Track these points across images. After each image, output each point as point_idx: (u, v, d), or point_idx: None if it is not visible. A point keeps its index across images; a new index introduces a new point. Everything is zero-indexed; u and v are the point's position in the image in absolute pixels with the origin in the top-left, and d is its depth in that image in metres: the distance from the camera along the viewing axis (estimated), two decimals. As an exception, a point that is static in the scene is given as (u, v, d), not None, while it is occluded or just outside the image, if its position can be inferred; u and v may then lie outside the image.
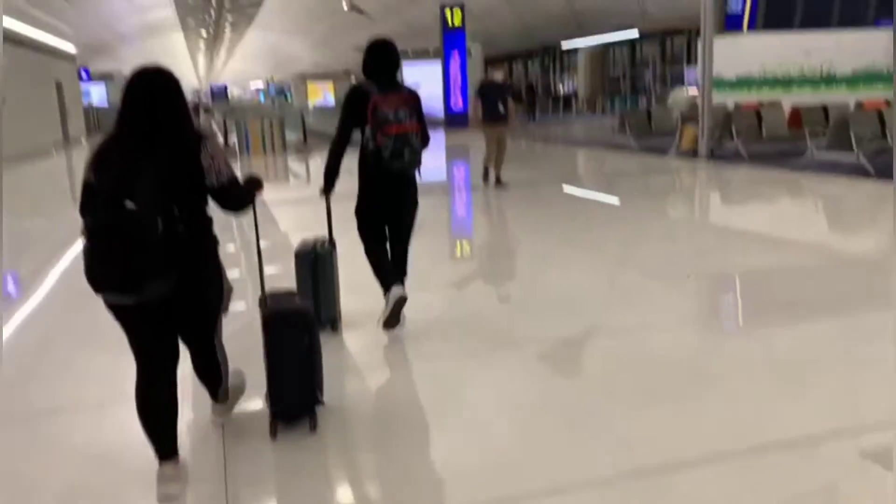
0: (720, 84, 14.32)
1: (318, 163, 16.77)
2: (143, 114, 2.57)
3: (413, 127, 3.87)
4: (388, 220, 4.17)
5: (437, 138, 22.21)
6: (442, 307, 4.92)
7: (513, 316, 4.83)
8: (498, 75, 10.30)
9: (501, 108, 9.68)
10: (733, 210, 8.92)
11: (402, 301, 4.06)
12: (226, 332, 3.01)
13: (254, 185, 2.94)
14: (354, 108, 3.92)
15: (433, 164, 16.35)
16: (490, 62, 39.15)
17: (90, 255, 2.41)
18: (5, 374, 3.90)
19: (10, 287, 6.29)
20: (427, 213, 4.57)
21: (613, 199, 9.62)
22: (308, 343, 3.04)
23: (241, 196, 2.83)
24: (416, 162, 3.96)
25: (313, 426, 3.06)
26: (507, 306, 5.19)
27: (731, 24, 12.25)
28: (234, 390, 3.22)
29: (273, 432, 3.04)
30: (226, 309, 2.93)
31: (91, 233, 2.42)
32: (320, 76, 48.61)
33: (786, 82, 15.76)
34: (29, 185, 14.53)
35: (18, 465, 3.04)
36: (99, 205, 2.45)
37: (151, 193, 2.44)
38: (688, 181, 11.51)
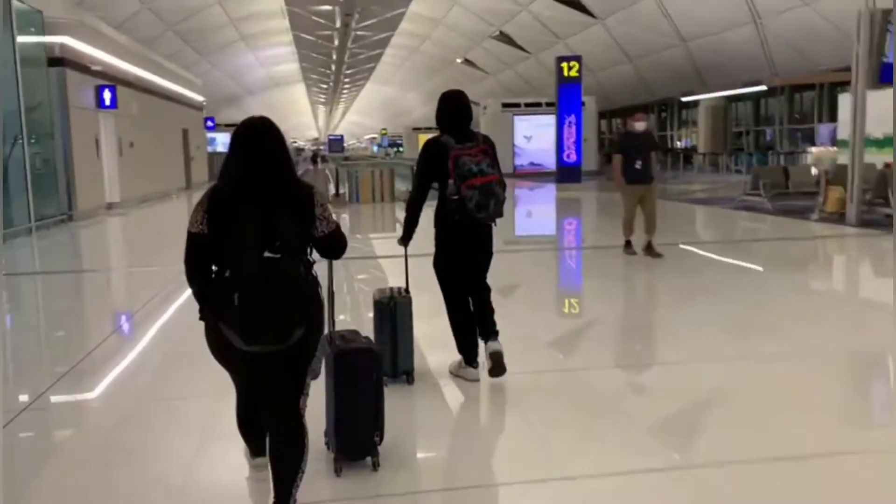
0: (866, 142, 12.83)
1: (426, 212, 16.38)
2: (263, 161, 2.56)
3: (495, 177, 3.87)
4: (467, 269, 4.16)
5: (549, 192, 21.97)
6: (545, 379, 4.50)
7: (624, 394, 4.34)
8: (640, 125, 8.29)
9: (639, 164, 8.07)
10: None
11: (497, 356, 4.05)
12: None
13: (344, 236, 2.90)
14: (434, 161, 3.92)
15: (545, 219, 15.58)
16: (604, 115, 38.35)
17: (242, 307, 2.41)
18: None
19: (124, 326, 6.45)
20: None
21: (758, 269, 8.43)
22: (376, 379, 3.07)
23: (342, 243, 2.81)
24: (500, 212, 3.95)
25: (376, 465, 3.09)
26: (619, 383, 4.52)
27: (885, 76, 10.92)
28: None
29: (337, 469, 3.06)
30: (318, 371, 2.85)
31: (238, 285, 2.42)
32: (432, 128, 49.07)
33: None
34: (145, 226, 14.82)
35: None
36: (236, 256, 2.45)
37: (294, 241, 2.51)
38: (839, 251, 10.12)
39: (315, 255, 2.74)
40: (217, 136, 38.66)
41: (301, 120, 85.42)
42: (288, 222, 2.52)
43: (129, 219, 16.05)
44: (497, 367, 4.04)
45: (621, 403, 4.01)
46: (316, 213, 2.63)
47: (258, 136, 2.60)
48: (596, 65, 31.03)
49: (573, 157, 19.87)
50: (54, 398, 4.40)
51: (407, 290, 4.24)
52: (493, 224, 4.07)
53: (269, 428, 2.69)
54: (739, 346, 5.06)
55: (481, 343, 4.17)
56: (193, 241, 2.53)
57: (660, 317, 6.41)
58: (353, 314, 6.16)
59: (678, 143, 36.62)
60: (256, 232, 2.46)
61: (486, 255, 4.18)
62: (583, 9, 28.12)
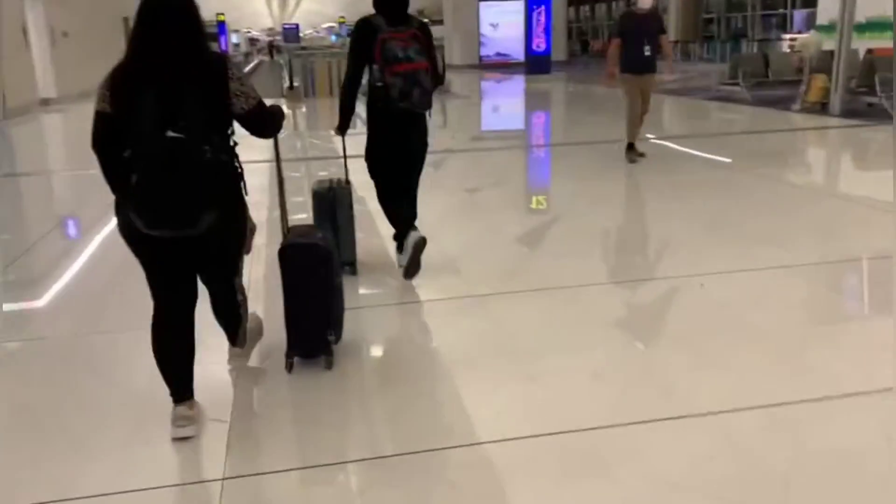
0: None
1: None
2: (168, 34, 2.40)
3: (423, 65, 3.66)
4: (398, 162, 4.01)
5: (518, 84, 20.98)
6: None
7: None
8: (645, 2, 7.02)
9: (648, 49, 6.95)
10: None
11: (421, 244, 3.92)
12: (248, 270, 2.95)
13: (278, 115, 2.80)
14: (363, 43, 3.70)
15: (514, 113, 14.76)
16: (572, 1, 36.68)
17: (139, 189, 2.28)
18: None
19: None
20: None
21: (741, 165, 7.86)
22: (324, 276, 2.96)
23: (271, 122, 2.72)
24: (427, 103, 3.77)
25: (329, 364, 3.01)
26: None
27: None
28: (252, 334, 3.14)
29: (289, 367, 2.99)
30: (248, 249, 2.81)
31: (137, 166, 2.28)
32: (393, 16, 46.56)
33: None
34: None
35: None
36: (137, 136, 2.29)
37: (196, 118, 2.31)
38: (825, 143, 9.59)
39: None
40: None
41: (254, 8, 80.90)
42: (193, 100, 2.33)
43: (68, 115, 14.79)
44: (414, 265, 3.94)
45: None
46: (231, 88, 2.44)
47: (161, 8, 2.42)
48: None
49: (542, 47, 18.80)
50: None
51: (347, 181, 4.12)
52: (427, 115, 3.89)
53: (210, 299, 2.77)
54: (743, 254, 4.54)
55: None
56: (98, 119, 2.40)
57: (647, 220, 5.86)
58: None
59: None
60: (158, 110, 2.29)
61: (419, 149, 4.00)
62: None
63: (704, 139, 9.12)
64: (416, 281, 4.02)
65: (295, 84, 16.66)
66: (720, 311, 3.61)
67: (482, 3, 26.69)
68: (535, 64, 18.83)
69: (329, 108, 15.69)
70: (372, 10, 3.77)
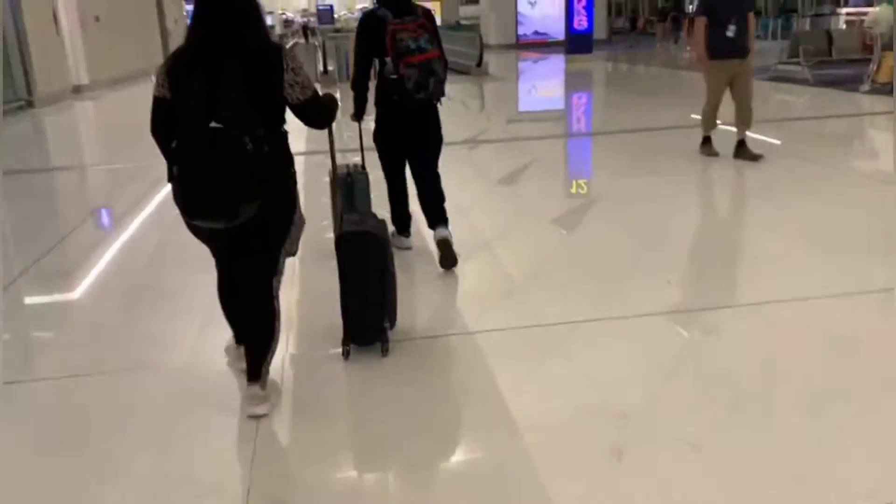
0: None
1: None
2: (221, 21, 2.39)
3: (435, 54, 3.64)
4: (411, 153, 4.00)
5: (558, 64, 20.20)
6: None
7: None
8: None
9: (732, 29, 5.93)
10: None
11: (445, 243, 3.91)
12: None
13: (333, 105, 2.75)
14: (371, 37, 3.69)
15: (556, 97, 14.03)
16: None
17: (181, 180, 2.26)
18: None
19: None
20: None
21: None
22: (380, 264, 2.95)
23: (326, 112, 2.68)
24: (441, 91, 3.76)
25: (385, 350, 2.98)
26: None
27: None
28: (272, 384, 2.75)
29: (345, 353, 2.98)
30: (295, 249, 2.72)
31: (178, 156, 2.27)
32: (427, -5, 45.72)
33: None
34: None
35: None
36: (183, 124, 2.27)
37: (238, 109, 2.26)
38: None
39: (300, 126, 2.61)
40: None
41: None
42: (236, 90, 2.28)
43: (102, 104, 14.50)
44: (446, 258, 3.90)
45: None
46: (286, 79, 2.40)
47: None
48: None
49: (584, 25, 17.97)
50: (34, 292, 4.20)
51: (363, 167, 4.12)
52: (438, 104, 3.87)
53: (242, 309, 2.68)
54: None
55: (431, 231, 4.08)
56: (156, 104, 2.40)
57: (733, 228, 5.23)
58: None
59: (690, 6, 34.04)
60: (201, 98, 2.26)
61: (432, 140, 3.99)
62: None
63: (768, 125, 8.37)
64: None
65: (329, 68, 16.15)
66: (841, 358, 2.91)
67: (522, -21, 25.85)
68: (577, 43, 18.03)
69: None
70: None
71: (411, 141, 3.94)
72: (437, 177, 4.07)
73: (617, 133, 8.29)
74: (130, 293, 4.01)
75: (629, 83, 15.46)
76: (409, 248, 4.26)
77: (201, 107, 2.24)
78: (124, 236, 5.21)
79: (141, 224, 5.46)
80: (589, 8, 17.84)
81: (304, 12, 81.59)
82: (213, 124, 2.21)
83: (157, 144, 2.42)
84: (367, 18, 3.76)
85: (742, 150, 6.24)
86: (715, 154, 6.41)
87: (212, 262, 2.72)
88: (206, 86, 2.26)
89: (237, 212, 2.28)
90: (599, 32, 24.49)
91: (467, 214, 4.97)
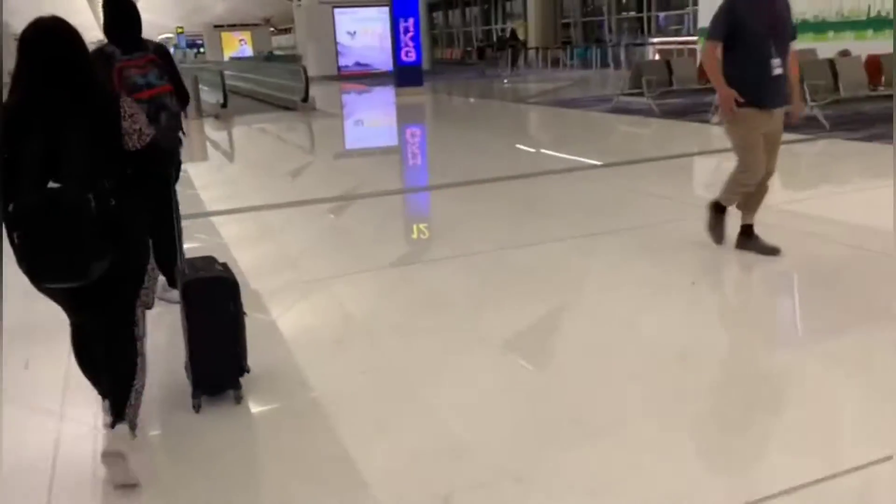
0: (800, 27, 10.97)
1: (242, 131, 12.97)
2: (57, 72, 2.22)
3: (166, 88, 3.60)
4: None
5: (388, 97, 18.82)
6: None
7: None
8: None
9: (778, 65, 3.98)
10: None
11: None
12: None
13: (177, 141, 2.96)
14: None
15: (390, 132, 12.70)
16: (436, 6, 35.26)
17: (24, 246, 2.13)
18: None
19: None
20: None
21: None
22: (233, 309, 2.80)
23: (160, 156, 2.55)
24: (178, 126, 3.68)
25: (238, 399, 2.82)
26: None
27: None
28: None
29: (196, 406, 2.78)
30: (151, 302, 2.60)
31: (17, 222, 2.10)
32: (236, 26, 43.28)
33: (822, 27, 12.68)
34: None
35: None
36: (20, 187, 2.10)
37: (80, 165, 2.14)
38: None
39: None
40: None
41: (80, 19, 73.59)
42: (76, 143, 2.15)
43: None
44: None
45: None
46: (124, 126, 2.28)
47: (44, 40, 2.24)
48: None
49: (412, 56, 16.96)
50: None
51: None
52: (182, 137, 3.71)
53: (102, 354, 2.51)
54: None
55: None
56: None
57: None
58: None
59: (501, 35, 34.52)
60: (37, 158, 2.12)
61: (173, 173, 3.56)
62: None
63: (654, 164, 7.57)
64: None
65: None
66: None
67: (337, 10, 24.53)
68: (406, 75, 16.97)
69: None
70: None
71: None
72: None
73: (490, 182, 7.08)
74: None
75: (473, 118, 14.48)
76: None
77: (39, 167, 2.10)
78: None
79: None
80: (416, 39, 16.88)
81: (100, 43, 74.96)
82: (52, 184, 2.08)
83: None
84: (97, 55, 3.38)
85: (750, 240, 4.31)
86: (720, 239, 4.41)
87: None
88: (44, 143, 2.13)
89: (87, 271, 2.17)
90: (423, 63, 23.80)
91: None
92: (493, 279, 4.28)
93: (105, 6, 3.58)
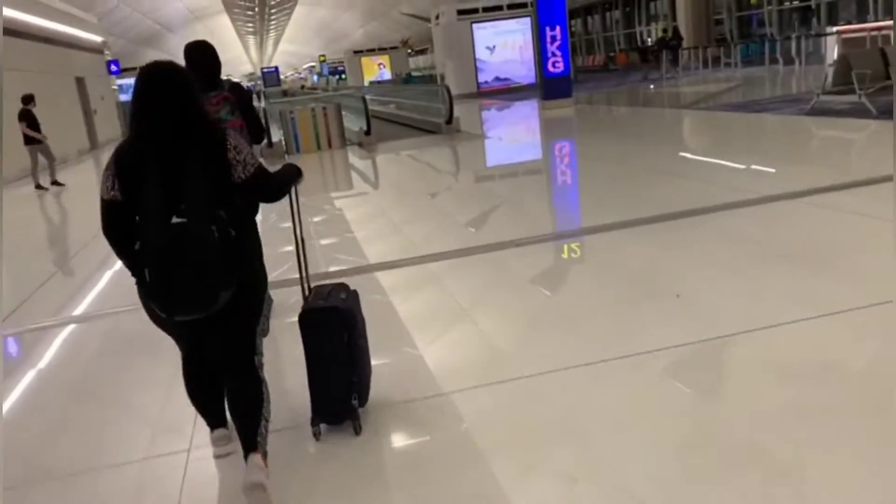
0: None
1: (389, 159, 12.08)
2: (171, 112, 2.28)
3: (238, 123, 3.79)
4: None
5: (532, 111, 17.50)
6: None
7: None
8: None
9: None
10: None
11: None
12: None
13: (293, 172, 2.66)
14: None
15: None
16: (570, 15, 33.65)
17: (156, 282, 2.19)
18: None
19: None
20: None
21: None
22: (347, 340, 2.79)
23: (277, 184, 2.54)
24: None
25: (357, 429, 2.82)
26: None
27: None
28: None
29: (316, 434, 2.83)
30: (267, 329, 2.79)
31: (146, 258, 2.18)
32: (374, 50, 43.71)
33: None
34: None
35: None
36: (144, 225, 2.20)
37: (200, 199, 2.21)
38: None
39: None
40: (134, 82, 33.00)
41: (233, 55, 78.23)
42: (194, 180, 2.22)
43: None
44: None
45: None
46: (229, 158, 2.30)
47: (158, 85, 2.30)
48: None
49: (561, 66, 15.61)
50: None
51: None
52: None
53: (226, 387, 2.56)
54: None
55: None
56: (107, 209, 2.29)
57: None
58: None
59: (648, 39, 32.37)
60: (160, 196, 2.19)
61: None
62: None
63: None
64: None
65: (274, 139, 13.40)
66: None
67: (476, 25, 23.59)
68: (554, 87, 15.64)
69: (318, 169, 12.44)
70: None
71: None
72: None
73: (691, 215, 5.59)
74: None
75: (647, 131, 12.80)
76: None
77: (161, 204, 2.17)
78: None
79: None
80: (564, 48, 15.52)
81: (251, 76, 79.28)
82: (175, 219, 2.15)
83: (112, 247, 2.35)
84: None
85: None
86: None
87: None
88: (163, 180, 2.20)
89: (217, 300, 2.22)
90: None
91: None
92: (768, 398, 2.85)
93: (186, 52, 3.78)
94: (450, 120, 13.68)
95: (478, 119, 16.78)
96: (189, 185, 2.18)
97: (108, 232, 2.29)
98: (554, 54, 15.71)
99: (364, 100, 13.69)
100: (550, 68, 15.77)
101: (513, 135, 14.32)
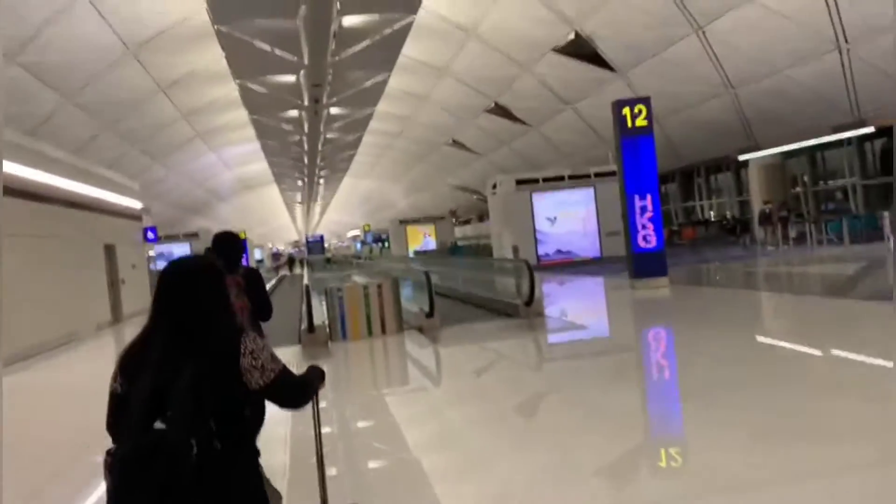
0: None
1: (463, 356, 9.13)
2: (180, 306, 2.13)
3: (241, 304, 4.05)
4: None
5: (624, 295, 12.98)
6: None
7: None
8: None
9: None
10: None
11: None
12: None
13: (316, 377, 2.43)
14: None
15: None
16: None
17: (114, 490, 1.92)
18: None
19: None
20: None
21: None
22: None
23: (297, 391, 2.30)
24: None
25: None
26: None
27: None
28: None
29: None
30: None
31: (112, 468, 1.92)
32: (420, 220, 42.54)
33: None
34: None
35: None
36: (126, 427, 1.98)
37: (188, 408, 1.95)
38: None
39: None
40: (174, 249, 31.58)
41: (280, 223, 79.08)
42: (185, 384, 1.97)
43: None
44: None
45: None
46: (243, 364, 2.08)
47: (177, 286, 2.17)
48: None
49: (653, 241, 13.05)
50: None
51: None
52: None
53: None
54: None
55: None
56: (110, 400, 2.12)
57: None
58: None
59: (710, 213, 30.26)
60: (146, 396, 1.98)
61: None
62: (600, 61, 22.04)
63: None
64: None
65: (316, 322, 10.68)
66: None
67: (536, 195, 21.61)
68: (645, 263, 12.99)
69: (369, 360, 9.58)
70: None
71: None
72: None
73: None
74: None
75: (796, 325, 9.81)
76: None
77: (146, 406, 1.96)
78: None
79: None
80: (657, 220, 13.04)
81: (296, 243, 79.56)
82: (157, 424, 1.93)
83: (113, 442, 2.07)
84: None
85: None
86: None
87: None
88: (154, 381, 1.99)
89: None
90: (611, 250, 19.92)
91: None
92: None
93: (214, 240, 4.25)
94: (530, 301, 10.91)
95: (554, 298, 14.02)
96: (178, 389, 1.95)
97: (108, 425, 2.10)
98: (644, 227, 13.19)
99: (427, 276, 11.03)
100: (641, 243, 13.17)
101: (613, 324, 11.31)
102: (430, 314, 10.68)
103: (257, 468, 2.20)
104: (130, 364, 2.09)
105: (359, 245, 62.89)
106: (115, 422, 2.08)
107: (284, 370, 2.18)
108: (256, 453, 2.20)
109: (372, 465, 4.90)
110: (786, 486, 3.66)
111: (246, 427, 2.14)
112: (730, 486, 3.76)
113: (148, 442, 1.89)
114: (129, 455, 1.89)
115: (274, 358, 2.17)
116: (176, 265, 2.22)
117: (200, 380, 1.98)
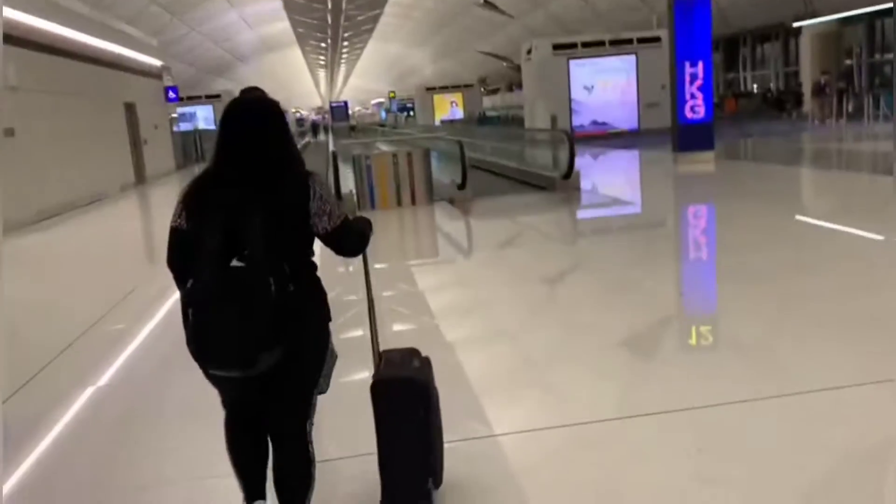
0: None
1: (495, 228, 8.70)
2: (250, 145, 2.04)
3: None
4: None
5: (666, 169, 12.44)
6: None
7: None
8: None
9: None
10: None
11: None
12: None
13: (369, 226, 2.37)
14: None
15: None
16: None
17: (194, 325, 1.93)
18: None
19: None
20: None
21: None
22: (423, 416, 2.33)
23: (357, 240, 2.28)
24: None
25: None
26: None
27: None
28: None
29: None
30: (326, 387, 2.28)
31: (192, 299, 1.95)
32: (447, 87, 40.98)
33: None
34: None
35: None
36: (200, 262, 1.97)
37: (263, 245, 1.96)
38: None
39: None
40: (198, 111, 30.83)
41: (303, 88, 77.19)
42: (259, 224, 1.96)
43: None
44: None
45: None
46: (311, 208, 2.06)
47: (243, 115, 2.09)
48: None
49: (701, 112, 12.15)
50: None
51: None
52: None
53: (273, 454, 2.22)
54: None
55: None
56: (172, 235, 2.09)
57: None
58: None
59: (753, 85, 28.58)
60: (220, 234, 1.97)
61: None
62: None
63: None
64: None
65: (343, 191, 10.22)
66: None
67: (573, 62, 20.31)
68: (691, 136, 12.16)
69: (397, 229, 9.18)
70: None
71: None
72: None
73: None
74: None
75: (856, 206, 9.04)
76: None
77: (220, 243, 1.95)
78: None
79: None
80: (707, 89, 12.05)
81: (319, 109, 77.84)
82: (234, 262, 1.93)
83: (173, 277, 2.09)
84: None
85: None
86: None
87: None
88: (227, 219, 1.97)
89: (254, 362, 1.93)
90: (650, 122, 18.88)
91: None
92: None
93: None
94: (569, 174, 10.29)
95: (589, 171, 13.33)
96: (253, 229, 1.95)
97: (169, 260, 2.09)
98: (693, 96, 12.28)
99: (461, 145, 10.38)
100: (688, 113, 12.30)
101: (652, 198, 10.70)
102: (461, 186, 10.14)
103: (326, 318, 2.18)
104: (194, 202, 2.04)
105: (384, 113, 61.35)
106: (177, 258, 2.05)
107: (348, 218, 2.16)
108: (326, 300, 2.18)
109: (397, 328, 4.73)
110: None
111: (315, 270, 2.14)
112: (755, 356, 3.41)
113: (230, 277, 1.90)
114: (212, 289, 1.91)
115: (339, 205, 2.13)
116: (240, 101, 2.12)
117: (273, 220, 1.96)
